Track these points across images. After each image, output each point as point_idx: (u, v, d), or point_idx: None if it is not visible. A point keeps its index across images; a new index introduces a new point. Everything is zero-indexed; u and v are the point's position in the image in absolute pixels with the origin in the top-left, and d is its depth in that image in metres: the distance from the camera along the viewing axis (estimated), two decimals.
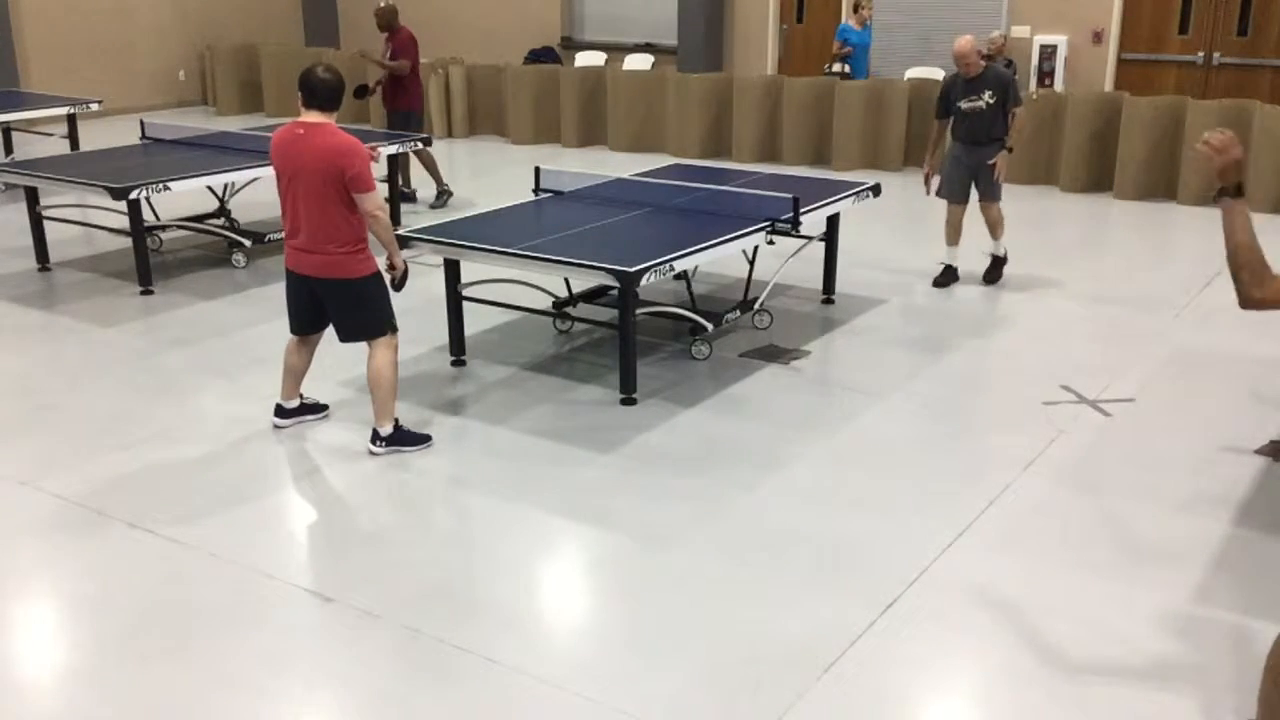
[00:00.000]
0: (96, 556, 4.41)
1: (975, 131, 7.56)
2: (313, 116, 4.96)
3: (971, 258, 8.22)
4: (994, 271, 7.93)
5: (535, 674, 3.67)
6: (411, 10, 16.35)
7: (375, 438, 5.24)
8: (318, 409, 5.62)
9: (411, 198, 10.22)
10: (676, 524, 4.63)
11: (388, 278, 5.22)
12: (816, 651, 3.77)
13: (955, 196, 7.74)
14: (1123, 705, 3.52)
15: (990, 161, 7.53)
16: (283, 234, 5.17)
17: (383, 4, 9.78)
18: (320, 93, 4.94)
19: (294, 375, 5.47)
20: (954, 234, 7.81)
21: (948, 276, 7.87)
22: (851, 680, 3.64)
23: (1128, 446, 5.35)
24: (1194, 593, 4.13)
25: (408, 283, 5.29)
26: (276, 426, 5.51)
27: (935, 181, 7.81)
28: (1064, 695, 3.57)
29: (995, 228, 7.81)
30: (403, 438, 5.26)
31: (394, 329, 5.21)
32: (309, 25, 17.48)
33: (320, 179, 4.90)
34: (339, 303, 5.14)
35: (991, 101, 7.43)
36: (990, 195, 7.67)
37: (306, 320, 5.30)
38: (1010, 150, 7.57)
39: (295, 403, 5.53)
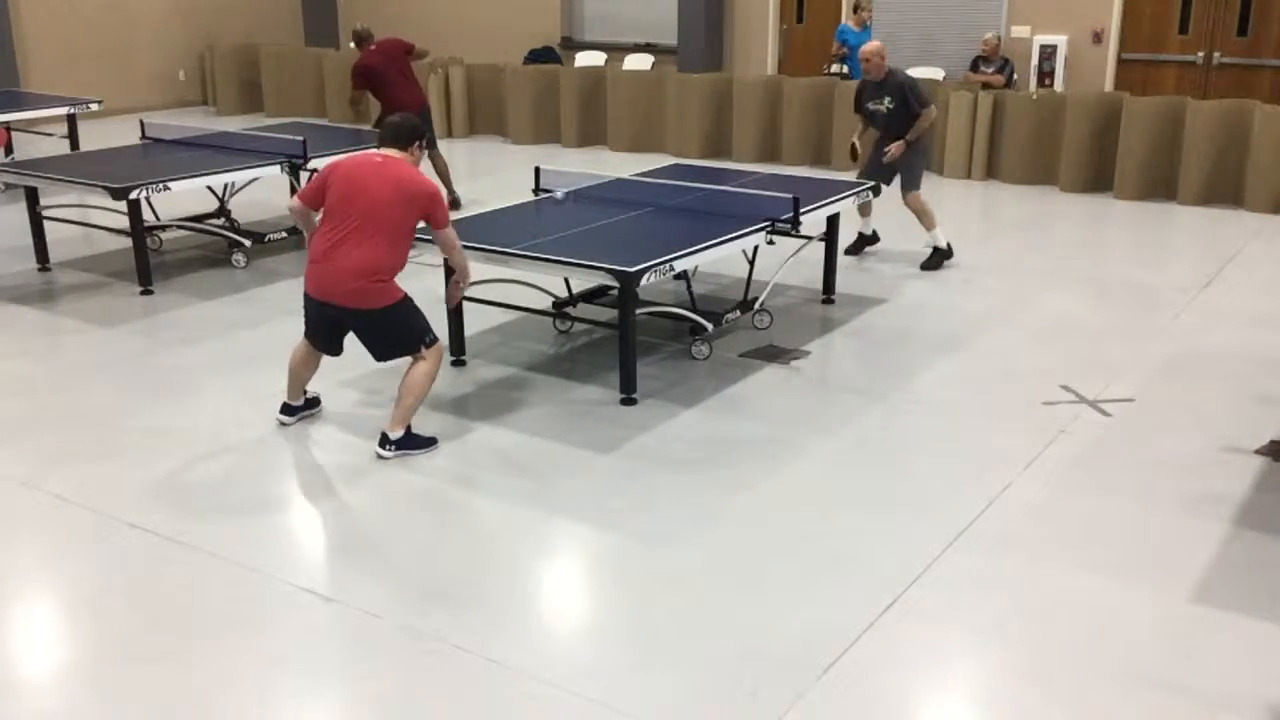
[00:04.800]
0: (96, 556, 4.41)
1: (882, 129, 8.15)
2: (387, 151, 5.18)
3: (963, 252, 8.22)
4: (931, 260, 8.20)
5: (535, 674, 3.68)
6: (412, 10, 16.40)
7: (385, 441, 5.22)
8: (315, 403, 5.71)
9: (456, 204, 10.14)
10: (676, 524, 4.63)
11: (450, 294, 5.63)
12: (816, 651, 3.77)
13: (864, 177, 8.18)
14: (1122, 705, 3.52)
15: (885, 150, 8.08)
16: (307, 247, 5.18)
17: (356, 27, 10.25)
18: (388, 133, 5.22)
19: (299, 381, 5.54)
20: (862, 210, 8.36)
21: (857, 245, 8.49)
22: (851, 680, 3.64)
23: (1128, 446, 5.35)
24: (1194, 592, 4.13)
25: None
26: (283, 423, 5.57)
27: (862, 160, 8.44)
28: (1064, 695, 3.57)
29: (921, 217, 8.18)
30: (411, 442, 5.27)
31: (432, 341, 5.24)
32: (309, 25, 17.48)
33: (388, 208, 4.99)
34: (369, 331, 5.21)
35: (892, 106, 7.99)
36: (906, 185, 8.13)
37: (323, 340, 5.36)
38: (908, 143, 8.00)
39: (301, 400, 5.61)
